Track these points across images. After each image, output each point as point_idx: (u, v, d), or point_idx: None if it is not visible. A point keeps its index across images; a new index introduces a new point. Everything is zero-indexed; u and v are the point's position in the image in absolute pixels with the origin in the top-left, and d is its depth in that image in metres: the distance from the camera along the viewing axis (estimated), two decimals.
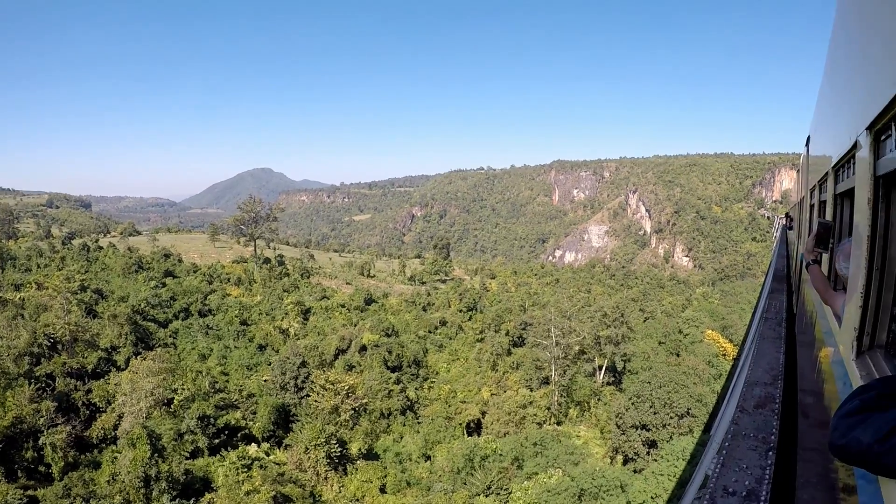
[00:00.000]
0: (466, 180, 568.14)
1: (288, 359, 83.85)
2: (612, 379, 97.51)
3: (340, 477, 64.40)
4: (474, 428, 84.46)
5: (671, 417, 68.31)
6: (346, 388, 78.96)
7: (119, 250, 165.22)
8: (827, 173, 9.26)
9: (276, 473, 58.74)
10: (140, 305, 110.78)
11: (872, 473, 2.82)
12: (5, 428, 57.34)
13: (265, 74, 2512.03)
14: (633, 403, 71.46)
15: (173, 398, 72.65)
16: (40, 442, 58.02)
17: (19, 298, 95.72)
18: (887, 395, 2.76)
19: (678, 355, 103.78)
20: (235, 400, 77.59)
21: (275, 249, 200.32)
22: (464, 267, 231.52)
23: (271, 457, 66.72)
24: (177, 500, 53.89)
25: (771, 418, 7.48)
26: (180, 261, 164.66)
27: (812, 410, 7.56)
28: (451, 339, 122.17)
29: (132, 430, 58.88)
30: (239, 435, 70.87)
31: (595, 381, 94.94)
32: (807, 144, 17.40)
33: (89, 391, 73.30)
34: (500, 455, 67.72)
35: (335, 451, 63.97)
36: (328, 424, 70.39)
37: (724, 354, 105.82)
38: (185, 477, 56.63)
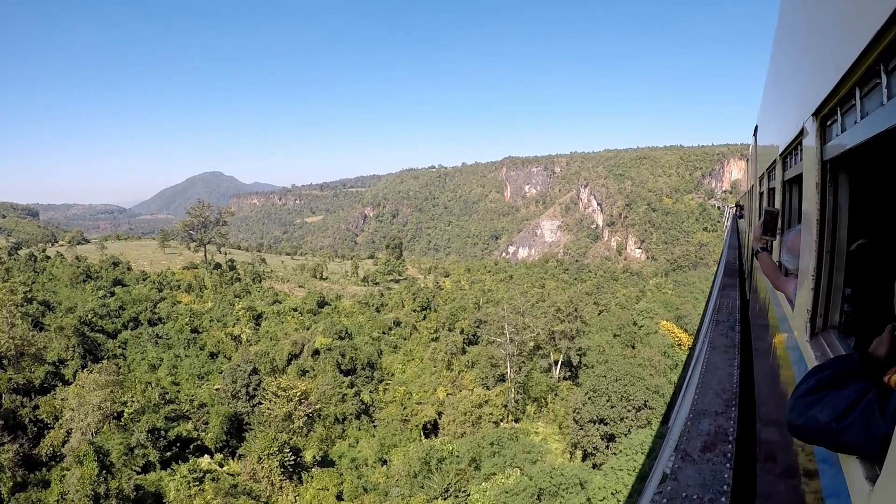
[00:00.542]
0: (418, 179, 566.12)
1: (239, 366, 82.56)
2: (569, 374, 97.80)
3: (296, 486, 63.47)
4: (431, 429, 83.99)
5: (628, 410, 68.93)
6: (299, 394, 78.07)
7: (67, 259, 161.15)
8: (775, 161, 9.35)
9: (230, 485, 57.73)
10: (88, 316, 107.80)
11: (832, 451, 3.00)
12: None
13: (213, 76, 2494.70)
14: (589, 398, 71.80)
15: (123, 411, 71.10)
16: None
17: None
18: (842, 373, 2.99)
19: (633, 347, 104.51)
20: (187, 410, 76.32)
21: (225, 254, 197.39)
22: (417, 266, 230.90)
23: (225, 468, 65.74)
24: None
25: (722, 467, 6.55)
26: (129, 269, 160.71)
27: (768, 399, 7.62)
28: (405, 339, 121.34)
29: (79, 446, 57.39)
30: (191, 447, 69.35)
31: (551, 377, 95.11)
32: (755, 134, 17.73)
33: (36, 407, 71.36)
34: (457, 456, 67.30)
35: (289, 460, 62.92)
36: (281, 432, 69.50)
37: (680, 344, 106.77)
38: (135, 493, 55.24)
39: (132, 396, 74.10)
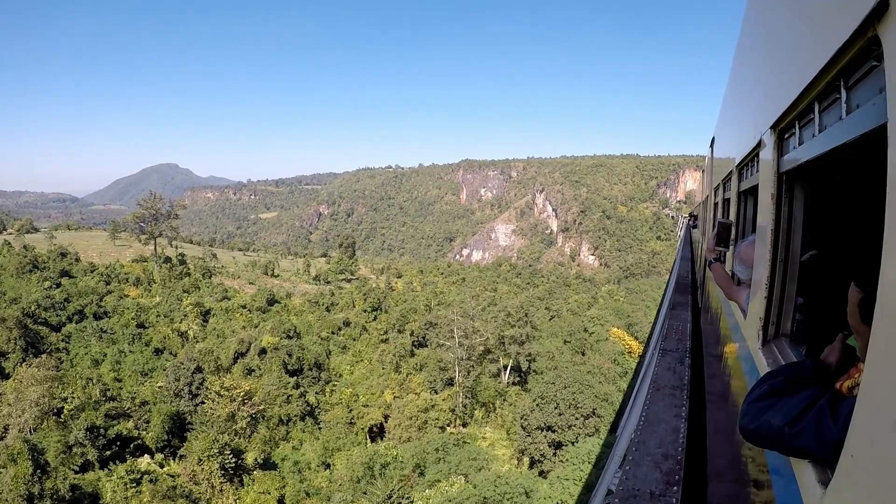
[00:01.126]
0: (375, 178, 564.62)
1: (182, 364, 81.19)
2: (518, 379, 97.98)
3: (236, 489, 62.58)
4: (377, 432, 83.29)
5: (577, 418, 68.95)
6: (242, 394, 76.89)
7: (14, 248, 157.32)
8: (731, 172, 9.57)
9: (168, 487, 56.66)
10: (31, 308, 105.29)
11: (784, 455, 3.08)
12: None
13: (170, 65, 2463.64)
14: (537, 405, 71.74)
15: (63, 408, 69.46)
16: None
17: None
18: (795, 379, 3.06)
19: (584, 354, 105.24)
20: (128, 408, 74.75)
21: (176, 248, 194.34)
22: (370, 266, 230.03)
23: (165, 468, 64.66)
24: None
25: (672, 478, 6.50)
26: (78, 260, 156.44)
27: (719, 405, 7.75)
28: (354, 340, 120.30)
29: (13, 444, 55.91)
30: (132, 446, 67.91)
31: (500, 382, 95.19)
32: (711, 145, 17.83)
33: None
34: (401, 462, 66.59)
35: (229, 462, 61.83)
36: (223, 433, 68.44)
37: (630, 352, 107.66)
38: (71, 493, 54.01)
39: (72, 392, 72.53)
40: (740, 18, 8.19)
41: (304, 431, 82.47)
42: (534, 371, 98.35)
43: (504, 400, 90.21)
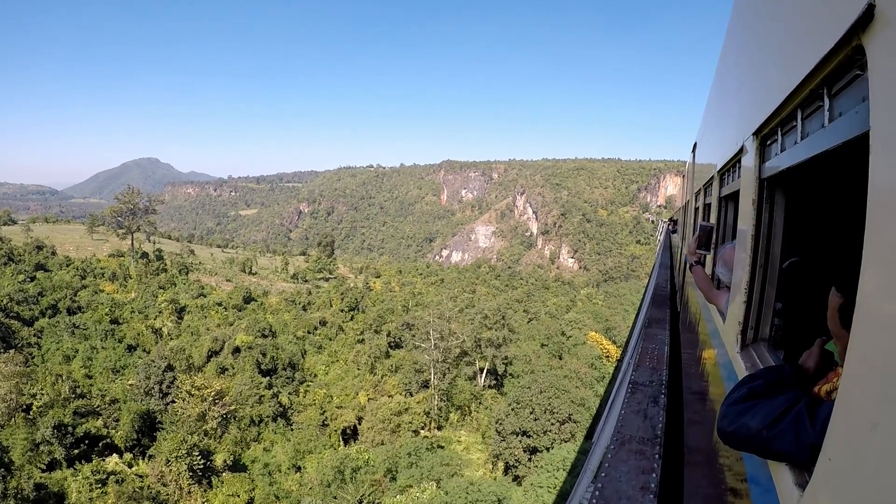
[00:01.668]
0: (356, 177, 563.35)
1: (153, 362, 79.98)
2: (494, 382, 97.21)
3: (205, 491, 61.64)
4: (351, 434, 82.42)
5: (552, 423, 68.29)
6: (213, 393, 75.82)
7: None
8: (713, 177, 9.62)
9: (134, 489, 55.75)
10: (4, 301, 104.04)
11: (762, 458, 3.12)
12: None
13: (153, 59, 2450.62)
14: (513, 409, 71.09)
15: (32, 404, 68.42)
16: None
17: None
18: (773, 383, 3.09)
19: (561, 358, 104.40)
20: (98, 406, 73.81)
21: (154, 243, 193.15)
22: (349, 265, 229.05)
23: (134, 468, 63.76)
24: None
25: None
26: (54, 253, 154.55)
27: (697, 408, 7.76)
28: (330, 340, 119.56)
29: None
30: (100, 445, 66.79)
31: (476, 385, 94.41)
32: (693, 151, 17.97)
33: None
34: (373, 466, 65.73)
35: (198, 464, 60.83)
36: (193, 433, 67.49)
37: (608, 356, 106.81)
38: (36, 493, 53.11)
39: (42, 389, 71.39)
40: (725, 24, 8.21)
41: (275, 433, 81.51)
42: (510, 375, 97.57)
43: (480, 403, 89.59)
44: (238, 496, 60.83)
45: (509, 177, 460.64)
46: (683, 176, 31.46)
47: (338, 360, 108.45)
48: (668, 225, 51.95)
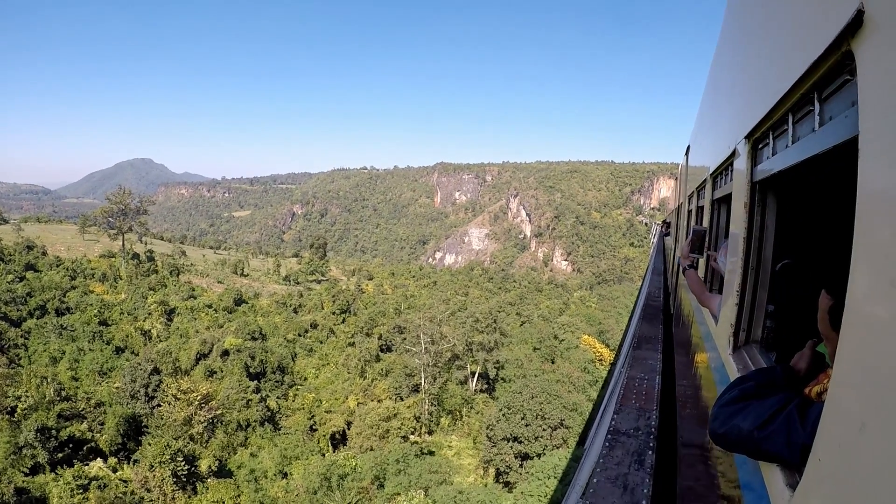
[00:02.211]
0: (349, 179, 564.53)
1: (139, 365, 79.04)
2: (486, 386, 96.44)
3: (189, 497, 60.86)
4: (340, 439, 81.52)
5: (544, 429, 67.79)
6: (200, 397, 75.00)
7: None
8: (705, 180, 9.72)
9: (116, 495, 54.96)
10: None
11: (753, 459, 3.16)
12: None
13: (148, 59, 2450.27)
14: (504, 415, 70.47)
15: (17, 406, 67.52)
16: None
17: None
18: (765, 384, 3.12)
19: (553, 362, 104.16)
20: (83, 409, 72.61)
21: (145, 244, 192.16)
22: (341, 267, 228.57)
23: (119, 473, 62.66)
24: None
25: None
26: (45, 253, 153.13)
27: (690, 409, 7.71)
28: (321, 343, 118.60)
29: None
30: (85, 448, 65.82)
31: (467, 389, 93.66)
32: (686, 154, 18.09)
33: None
34: (360, 473, 64.83)
35: (182, 469, 59.98)
36: (178, 438, 66.72)
37: (601, 360, 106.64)
38: (17, 497, 52.31)
39: (27, 391, 70.42)
40: (718, 28, 8.24)
41: (263, 438, 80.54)
42: (502, 379, 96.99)
43: (471, 408, 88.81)
44: (222, 502, 60.04)
45: (503, 179, 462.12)
46: (676, 178, 31.73)
47: (328, 364, 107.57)
48: (662, 227, 51.92)
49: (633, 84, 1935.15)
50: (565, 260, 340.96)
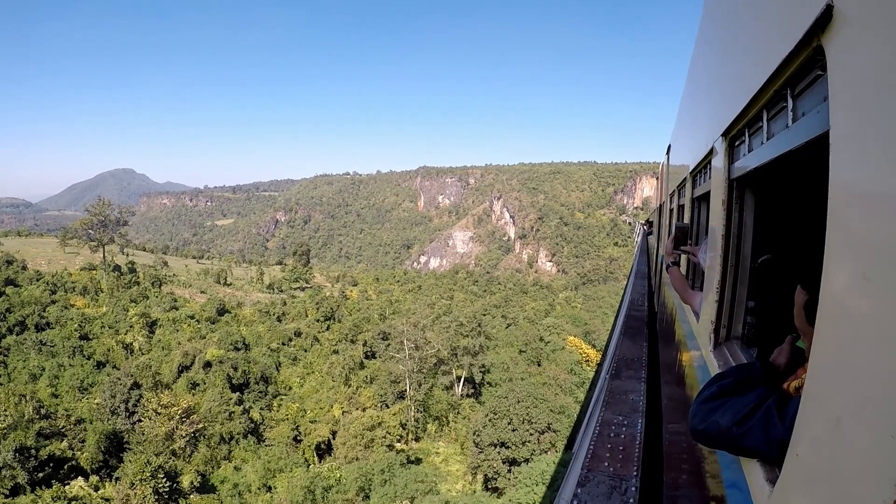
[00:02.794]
0: (332, 185, 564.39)
1: (119, 380, 77.80)
2: (472, 391, 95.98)
3: None
4: (325, 449, 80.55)
5: (531, 434, 67.56)
6: (181, 411, 74.01)
7: None
8: (685, 178, 9.78)
9: None
10: None
11: (733, 455, 3.15)
12: None
13: (128, 68, 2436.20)
14: (490, 420, 70.01)
15: None
16: None
17: None
18: (743, 380, 3.12)
19: (539, 364, 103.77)
20: (62, 427, 71.51)
21: (127, 255, 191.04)
22: (325, 274, 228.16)
23: (100, 492, 61.64)
24: None
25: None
26: (25, 268, 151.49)
27: (674, 407, 7.74)
28: (305, 351, 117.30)
29: None
30: (66, 467, 64.70)
31: (453, 395, 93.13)
32: (667, 153, 17.89)
33: None
34: (344, 485, 63.95)
35: (163, 486, 58.95)
36: (160, 453, 65.71)
37: (588, 361, 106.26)
38: None
39: (5, 410, 69.26)
40: (696, 28, 8.19)
41: (246, 450, 79.45)
42: (488, 383, 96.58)
43: (458, 413, 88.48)
44: None
45: (486, 182, 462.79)
46: (658, 177, 31.23)
47: (313, 372, 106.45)
48: (644, 227, 51.65)
49: (615, 84, 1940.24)
50: (550, 261, 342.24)
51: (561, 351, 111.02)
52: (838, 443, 1.80)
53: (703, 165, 7.21)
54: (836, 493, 1.79)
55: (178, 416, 73.53)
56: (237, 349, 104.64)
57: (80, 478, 62.95)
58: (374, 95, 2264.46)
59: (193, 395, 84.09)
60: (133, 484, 58.12)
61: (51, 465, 62.90)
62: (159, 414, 72.74)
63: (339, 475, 65.86)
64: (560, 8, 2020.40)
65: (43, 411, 73.72)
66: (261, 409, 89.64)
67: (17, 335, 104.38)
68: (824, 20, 2.10)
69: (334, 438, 80.00)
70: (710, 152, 5.77)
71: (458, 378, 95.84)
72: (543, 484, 52.16)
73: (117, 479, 64.20)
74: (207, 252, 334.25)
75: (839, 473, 1.79)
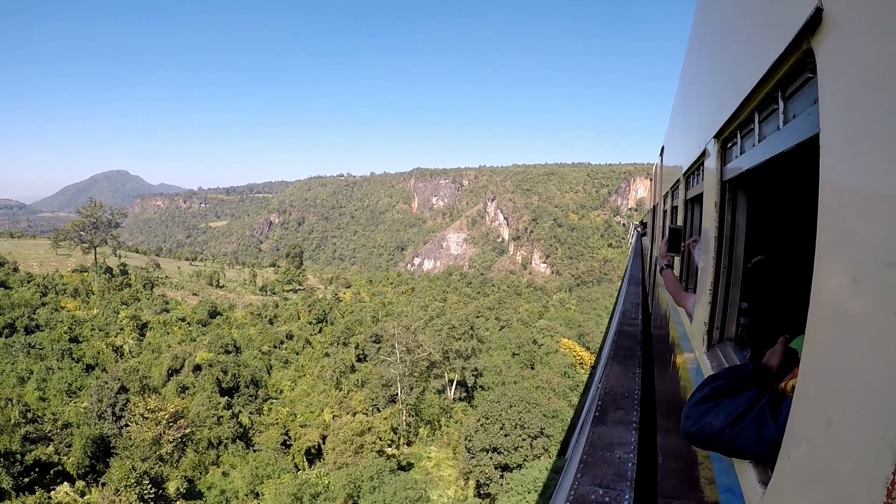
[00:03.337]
0: (326, 187, 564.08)
1: (106, 383, 76.97)
2: (464, 394, 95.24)
3: None
4: (316, 454, 79.76)
5: (524, 439, 66.86)
6: (168, 416, 73.28)
7: None
8: (679, 180, 9.92)
9: None
10: None
11: (726, 456, 3.17)
12: None
13: (121, 70, 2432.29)
14: (482, 425, 69.11)
15: None
16: None
17: None
18: (736, 381, 3.13)
19: (533, 368, 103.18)
20: (49, 431, 70.79)
21: (120, 257, 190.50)
22: (318, 276, 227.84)
23: (86, 497, 60.97)
24: None
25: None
26: (16, 269, 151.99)
27: (667, 409, 7.78)
28: (297, 354, 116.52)
29: None
30: (52, 472, 63.96)
31: (445, 398, 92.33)
32: (661, 154, 18.57)
33: None
34: (332, 492, 63.17)
35: (148, 493, 58.23)
36: (145, 460, 64.93)
37: (581, 363, 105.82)
38: None
39: None
40: (689, 30, 8.35)
41: (235, 455, 78.55)
42: (480, 387, 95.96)
43: (450, 417, 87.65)
44: None
45: (480, 183, 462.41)
46: (652, 179, 32.08)
47: (305, 375, 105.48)
48: (639, 228, 51.50)
49: (609, 84, 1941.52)
50: (544, 262, 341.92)
51: (554, 354, 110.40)
52: (830, 444, 1.81)
53: (696, 167, 7.19)
54: (828, 494, 1.79)
55: (165, 421, 72.80)
56: (227, 352, 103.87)
57: (66, 483, 62.30)
58: (367, 97, 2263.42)
59: (182, 398, 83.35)
60: (118, 490, 57.51)
61: (36, 469, 62.33)
62: (146, 418, 72.04)
63: (327, 482, 65.11)
64: (554, 9, 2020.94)
65: (29, 415, 72.95)
66: (250, 413, 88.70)
67: (6, 338, 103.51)
68: (814, 23, 2.12)
69: (324, 443, 79.28)
70: (703, 154, 5.78)
71: (451, 381, 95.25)
72: (536, 491, 51.74)
73: (103, 484, 63.49)
74: (201, 254, 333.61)
75: (831, 474, 1.79)
